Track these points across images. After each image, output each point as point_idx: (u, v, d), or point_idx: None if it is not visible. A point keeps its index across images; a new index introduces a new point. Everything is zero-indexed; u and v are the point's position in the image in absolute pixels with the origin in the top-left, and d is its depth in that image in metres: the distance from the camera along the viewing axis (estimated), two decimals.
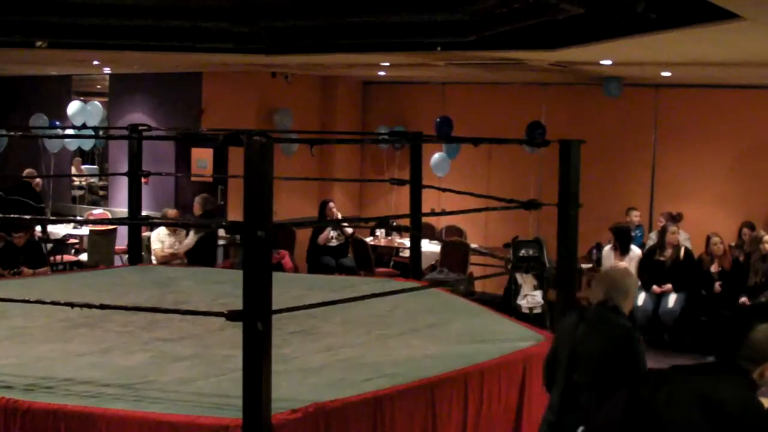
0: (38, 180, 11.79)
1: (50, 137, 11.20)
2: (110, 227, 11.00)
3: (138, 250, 7.53)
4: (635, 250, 9.60)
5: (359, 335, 4.86)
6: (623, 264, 9.45)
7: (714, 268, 9.02)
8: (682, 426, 2.47)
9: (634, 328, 4.19)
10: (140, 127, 6.70)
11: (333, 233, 10.89)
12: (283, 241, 10.50)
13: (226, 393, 3.61)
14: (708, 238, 9.19)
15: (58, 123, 12.51)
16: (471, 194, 6.20)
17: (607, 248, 9.69)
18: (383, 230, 11.58)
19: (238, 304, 3.29)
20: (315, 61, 10.33)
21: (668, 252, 9.18)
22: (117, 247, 10.87)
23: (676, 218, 9.95)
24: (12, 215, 8.73)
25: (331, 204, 10.91)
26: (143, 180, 7.34)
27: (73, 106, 12.07)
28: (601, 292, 4.07)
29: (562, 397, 4.09)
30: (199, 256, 8.95)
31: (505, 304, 9.63)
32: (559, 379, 4.12)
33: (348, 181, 12.70)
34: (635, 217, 10.47)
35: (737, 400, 2.46)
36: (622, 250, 9.51)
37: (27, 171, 11.39)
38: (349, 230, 11.00)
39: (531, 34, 7.18)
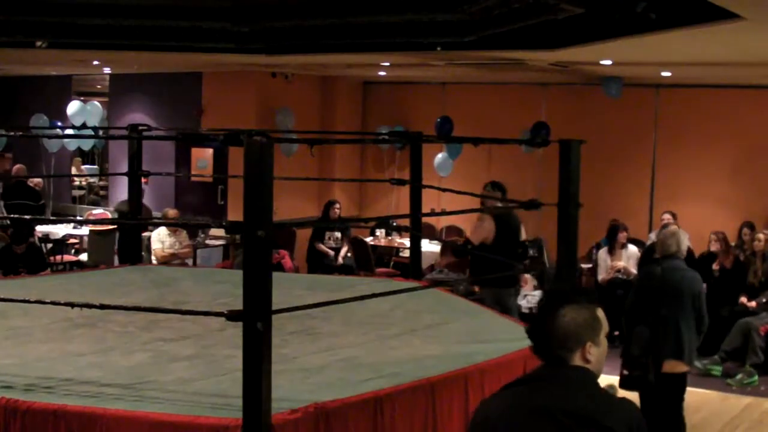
0: (38, 179, 11.78)
1: (50, 137, 11.20)
2: (110, 227, 11.00)
3: (138, 250, 7.53)
4: (632, 248, 9.61)
5: (359, 335, 4.86)
6: (622, 264, 9.47)
7: (715, 266, 9.03)
8: None
9: (696, 271, 5.89)
10: (140, 127, 6.69)
11: (336, 234, 10.92)
12: (283, 241, 10.50)
13: (226, 393, 3.61)
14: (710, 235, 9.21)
15: (59, 123, 12.50)
16: (471, 194, 6.20)
17: (602, 250, 9.68)
18: (383, 230, 11.58)
19: (238, 304, 3.29)
20: (315, 61, 10.33)
21: None
22: (117, 247, 10.87)
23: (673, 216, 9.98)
24: (13, 215, 8.75)
25: (337, 205, 10.91)
26: (143, 180, 7.35)
27: (73, 106, 12.07)
28: (674, 245, 5.66)
29: (652, 330, 5.54)
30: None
31: None
32: (648, 316, 5.60)
33: (348, 181, 12.70)
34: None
35: (599, 405, 2.26)
36: (610, 248, 9.54)
37: (16, 168, 11.35)
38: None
39: (531, 34, 7.18)
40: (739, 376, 7.95)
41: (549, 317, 2.32)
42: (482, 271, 7.23)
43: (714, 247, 9.07)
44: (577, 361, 2.30)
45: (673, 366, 5.57)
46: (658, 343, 5.55)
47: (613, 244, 9.56)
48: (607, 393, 2.33)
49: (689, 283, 5.66)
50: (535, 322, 2.38)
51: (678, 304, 5.60)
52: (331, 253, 10.70)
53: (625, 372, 5.58)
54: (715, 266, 9.04)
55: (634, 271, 9.43)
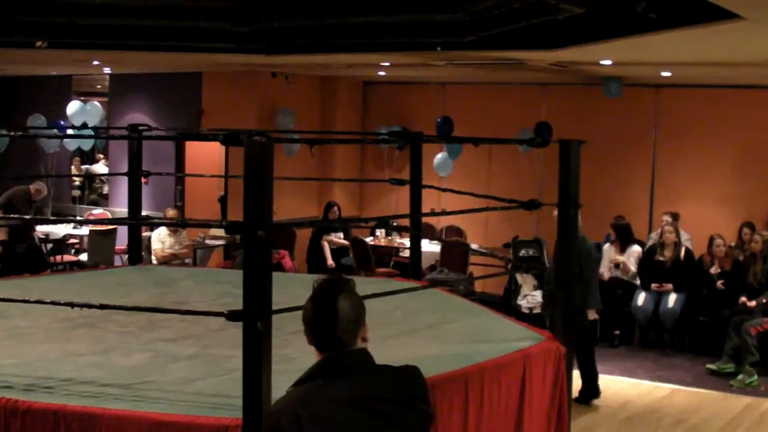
0: (37, 187, 11.74)
1: (50, 137, 11.19)
2: (110, 227, 11.00)
3: (138, 250, 7.53)
4: (634, 247, 9.63)
5: None
6: (622, 258, 9.50)
7: (714, 270, 9.03)
8: None
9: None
10: (140, 127, 6.69)
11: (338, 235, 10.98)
12: (283, 241, 10.49)
13: (226, 393, 3.61)
14: (711, 239, 9.20)
15: (63, 123, 12.48)
16: (471, 194, 6.19)
17: (607, 245, 9.74)
18: (383, 230, 11.58)
19: (238, 304, 3.29)
20: (315, 61, 10.33)
21: (669, 252, 9.18)
22: (117, 247, 10.87)
23: (675, 217, 9.98)
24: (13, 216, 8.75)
25: (335, 208, 10.97)
26: (143, 180, 7.34)
27: (73, 106, 12.05)
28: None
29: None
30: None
31: (505, 304, 9.64)
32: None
33: (348, 181, 12.70)
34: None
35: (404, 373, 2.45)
36: (622, 246, 9.59)
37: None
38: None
39: (531, 34, 7.17)
40: (740, 377, 7.96)
41: (329, 307, 2.40)
42: None
43: (721, 252, 9.07)
44: (359, 343, 2.43)
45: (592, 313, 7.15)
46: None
47: (625, 242, 9.62)
48: (391, 367, 2.46)
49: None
50: (315, 316, 2.42)
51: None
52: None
53: None
54: (714, 270, 9.04)
55: (633, 268, 9.45)
